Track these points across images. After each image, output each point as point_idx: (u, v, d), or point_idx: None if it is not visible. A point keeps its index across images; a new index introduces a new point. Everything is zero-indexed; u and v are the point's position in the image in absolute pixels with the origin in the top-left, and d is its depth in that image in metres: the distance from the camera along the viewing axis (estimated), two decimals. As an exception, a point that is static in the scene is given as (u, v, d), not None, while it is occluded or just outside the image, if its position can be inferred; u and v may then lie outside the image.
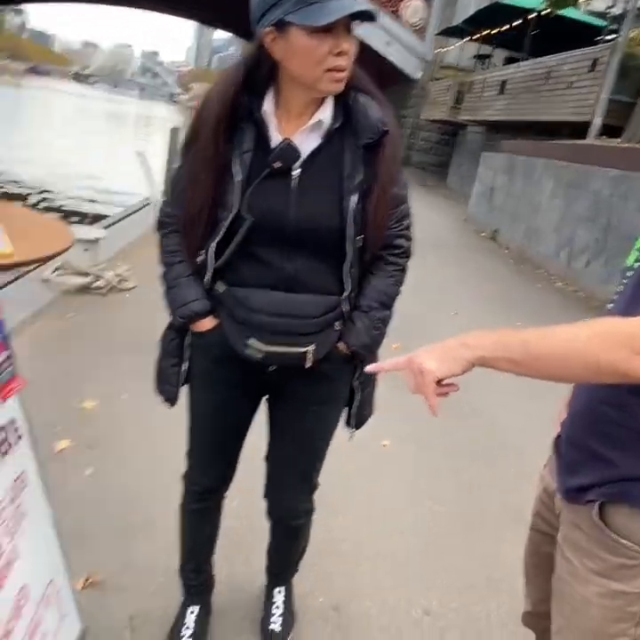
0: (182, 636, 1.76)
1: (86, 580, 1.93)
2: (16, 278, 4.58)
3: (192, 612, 1.82)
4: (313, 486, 1.73)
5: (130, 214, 7.53)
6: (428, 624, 2.05)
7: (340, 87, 1.33)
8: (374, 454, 3.04)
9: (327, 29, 1.22)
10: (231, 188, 1.36)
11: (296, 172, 1.37)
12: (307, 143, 1.38)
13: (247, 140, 1.37)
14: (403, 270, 1.55)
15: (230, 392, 1.58)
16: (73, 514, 2.21)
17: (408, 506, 2.67)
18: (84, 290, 4.52)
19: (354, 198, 1.37)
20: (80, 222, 7.71)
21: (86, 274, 4.60)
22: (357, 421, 1.65)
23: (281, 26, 1.25)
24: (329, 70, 1.28)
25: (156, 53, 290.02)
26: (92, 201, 10.93)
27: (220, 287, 1.45)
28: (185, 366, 1.56)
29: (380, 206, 1.40)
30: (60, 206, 10.00)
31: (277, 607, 1.90)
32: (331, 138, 1.40)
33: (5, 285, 4.39)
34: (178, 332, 1.54)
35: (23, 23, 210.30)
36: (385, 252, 1.49)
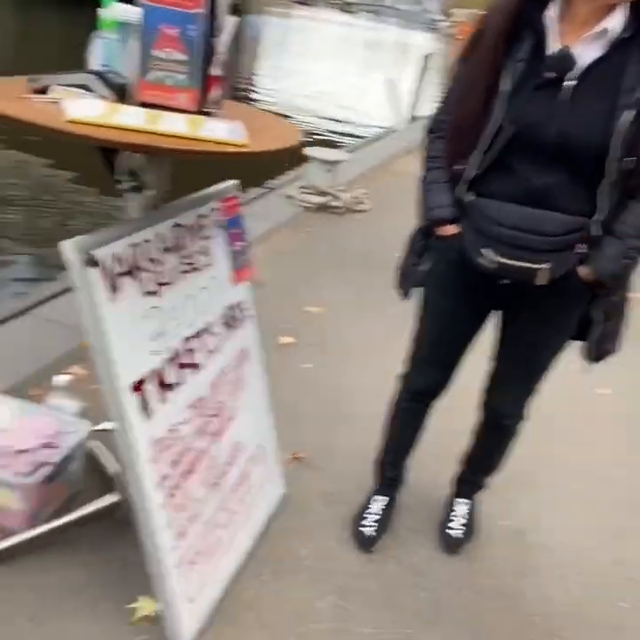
0: (366, 520, 1.93)
1: (292, 455, 2.20)
2: (264, 194, 5.06)
3: (379, 502, 1.98)
4: (531, 392, 1.74)
5: (373, 141, 7.70)
6: (615, 572, 1.97)
7: None
8: (590, 401, 2.87)
9: None
10: (498, 96, 1.36)
11: (569, 83, 1.32)
12: (587, 53, 1.32)
13: (523, 50, 1.35)
14: None
15: (460, 299, 1.63)
16: (288, 399, 2.49)
17: (619, 457, 2.52)
18: (323, 208, 4.81)
19: (628, 115, 1.28)
20: (325, 145, 8.07)
21: (325, 193, 4.88)
22: (597, 355, 1.58)
23: None
24: None
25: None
26: (339, 125, 11.33)
27: (469, 197, 1.48)
28: (425, 267, 1.64)
29: None
30: (310, 130, 10.56)
31: (457, 516, 1.97)
32: (615, 49, 1.31)
33: (256, 199, 4.88)
34: (425, 235, 1.63)
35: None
36: None
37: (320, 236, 4.34)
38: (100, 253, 1.25)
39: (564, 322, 1.57)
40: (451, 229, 1.53)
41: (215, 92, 1.32)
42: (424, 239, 1.62)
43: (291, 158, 5.99)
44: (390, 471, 1.98)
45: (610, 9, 1.29)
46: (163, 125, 1.16)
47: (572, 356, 2.41)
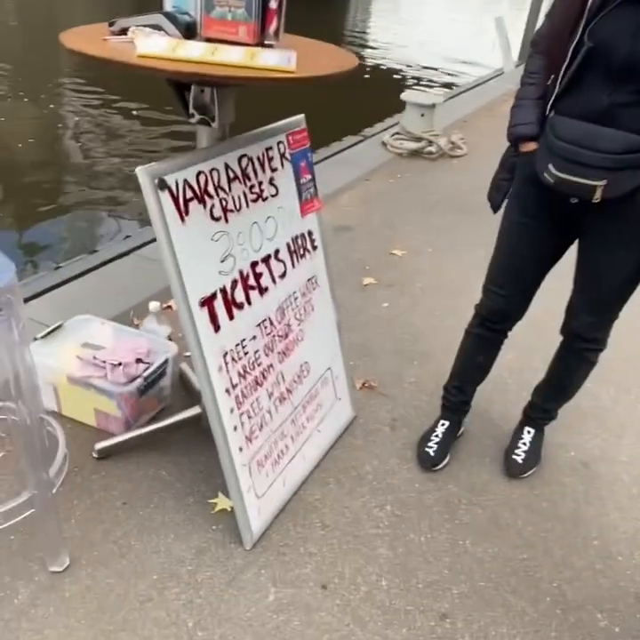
0: (431, 441, 2.03)
1: (363, 383, 2.32)
2: (359, 142, 5.09)
3: (443, 425, 2.06)
4: (608, 319, 1.74)
5: (476, 85, 7.42)
6: (685, 508, 1.94)
7: None
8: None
9: None
10: (585, 12, 1.37)
11: None
12: None
13: None
14: None
15: (534, 216, 1.66)
16: (366, 333, 2.61)
17: None
18: (417, 154, 4.78)
19: None
20: (426, 90, 7.87)
21: (420, 139, 4.83)
22: None
23: None
24: None
25: None
26: (447, 73, 10.96)
27: (551, 113, 1.51)
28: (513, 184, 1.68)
29: None
30: (409, 76, 10.30)
31: (525, 443, 2.02)
32: None
33: (350, 147, 4.93)
34: (515, 150, 1.65)
35: None
36: None
37: (411, 181, 4.33)
38: (171, 179, 1.40)
39: (633, 246, 1.55)
40: (530, 146, 1.55)
41: (273, 25, 1.41)
42: (515, 155, 1.64)
43: (386, 105, 5.97)
44: (456, 396, 2.05)
45: None
46: (219, 56, 1.27)
47: None
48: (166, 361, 2.03)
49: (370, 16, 18.16)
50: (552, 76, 1.47)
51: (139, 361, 1.97)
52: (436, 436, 2.04)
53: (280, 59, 1.31)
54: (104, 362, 1.95)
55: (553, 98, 1.48)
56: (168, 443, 1.99)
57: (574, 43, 1.38)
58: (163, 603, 1.53)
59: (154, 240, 3.15)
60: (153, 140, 5.81)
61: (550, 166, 1.47)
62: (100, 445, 1.90)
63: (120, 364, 1.93)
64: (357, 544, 1.73)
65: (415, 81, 10.09)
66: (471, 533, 1.79)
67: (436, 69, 10.90)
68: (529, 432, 2.04)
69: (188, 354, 2.33)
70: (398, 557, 1.71)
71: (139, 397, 1.96)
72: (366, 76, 9.42)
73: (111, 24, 1.43)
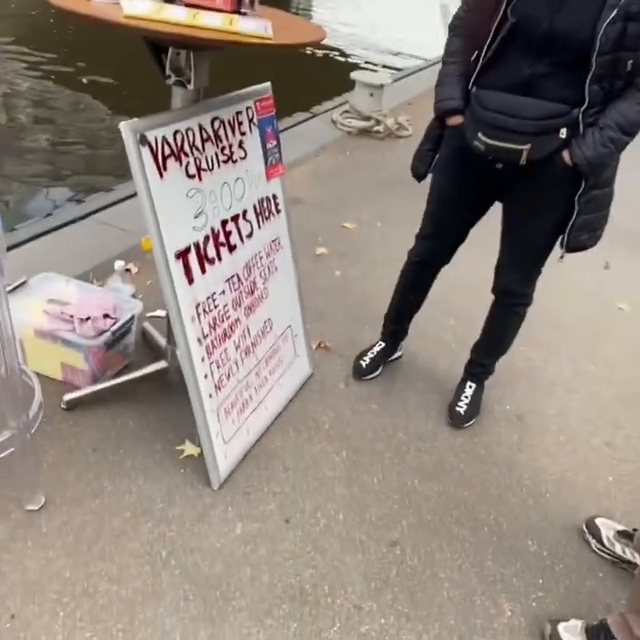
0: (366, 356, 2.34)
1: (319, 343, 2.46)
2: (309, 118, 5.18)
3: (380, 345, 2.36)
4: (529, 274, 1.96)
5: (420, 70, 7.62)
6: (604, 452, 2.18)
7: None
8: (607, 314, 3.02)
9: None
10: None
11: None
12: None
13: None
14: None
15: (461, 181, 1.86)
16: (320, 299, 2.74)
17: (629, 364, 2.68)
18: (365, 132, 4.92)
19: (612, 14, 1.44)
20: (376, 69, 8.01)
21: (368, 118, 4.97)
22: (572, 243, 1.77)
23: None
24: None
25: None
26: (392, 56, 11.12)
27: (474, 88, 1.68)
28: (438, 154, 1.86)
29: None
30: (358, 56, 10.43)
31: (466, 397, 2.21)
32: None
33: (301, 123, 5.02)
34: (440, 124, 1.82)
35: None
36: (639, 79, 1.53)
37: (360, 158, 4.47)
38: (151, 135, 1.48)
39: (552, 205, 1.75)
40: (457, 119, 1.73)
41: (249, -5, 1.51)
42: (440, 129, 1.82)
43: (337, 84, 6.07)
44: (391, 325, 2.34)
45: None
46: (201, 20, 1.36)
47: (597, 274, 2.56)
48: (132, 317, 2.11)
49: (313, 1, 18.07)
50: (475, 53, 1.63)
51: (106, 316, 2.04)
52: (372, 353, 2.34)
53: (257, 26, 1.41)
54: (71, 316, 2.00)
55: (476, 72, 1.64)
56: (134, 395, 2.07)
57: (498, 19, 1.53)
58: (137, 536, 1.64)
59: (110, 205, 3.21)
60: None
61: (480, 135, 1.65)
62: (68, 396, 1.97)
63: (88, 318, 1.99)
64: (317, 485, 1.88)
65: (363, 61, 10.21)
66: (419, 475, 1.97)
67: (383, 52, 11.04)
68: (471, 386, 2.24)
69: (150, 314, 2.41)
70: (354, 495, 1.87)
71: (105, 351, 2.03)
72: (319, 53, 9.46)
73: (93, -16, 1.49)
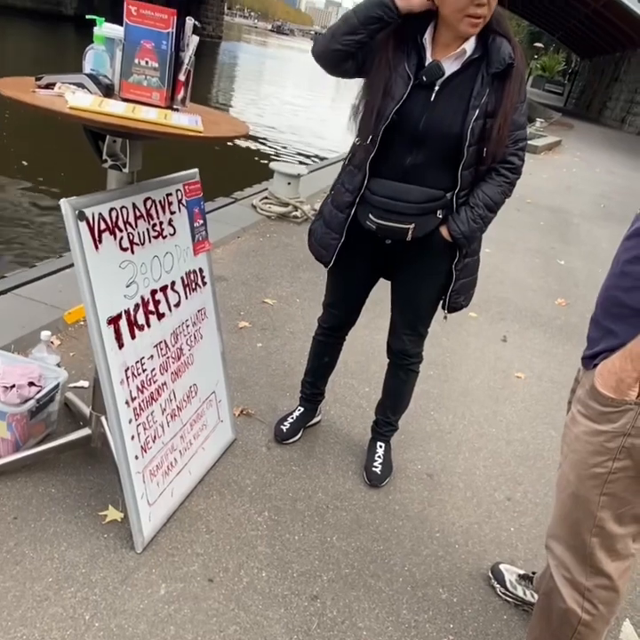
0: (286, 421, 2.47)
1: (242, 410, 2.56)
2: (231, 203, 5.46)
3: (299, 410, 2.51)
4: (420, 335, 2.20)
5: (335, 162, 8.20)
6: (506, 506, 2.37)
7: (476, 30, 1.73)
8: (507, 382, 3.31)
9: None
10: (401, 85, 1.78)
11: (437, 87, 1.79)
12: (449, 67, 1.80)
13: (411, 61, 1.80)
14: (511, 184, 1.92)
15: (360, 262, 2.10)
16: (243, 369, 2.87)
17: (525, 426, 2.93)
18: (283, 217, 5.23)
19: (475, 113, 1.76)
20: (289, 162, 8.55)
21: (286, 204, 5.30)
22: (451, 305, 2.06)
23: None
24: (468, 16, 1.68)
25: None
26: (308, 147, 11.86)
27: (367, 177, 1.91)
28: (341, 242, 2.05)
29: (501, 126, 1.78)
30: (276, 148, 11.06)
31: (379, 456, 2.36)
32: (469, 66, 1.80)
33: (223, 206, 5.27)
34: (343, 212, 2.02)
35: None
36: (499, 165, 1.87)
37: (279, 240, 4.74)
38: (89, 211, 1.62)
39: (434, 274, 2.03)
40: None
41: (181, 93, 1.72)
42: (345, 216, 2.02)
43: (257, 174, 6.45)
44: (308, 389, 2.50)
45: (466, 38, 1.77)
46: (139, 114, 1.55)
47: (497, 346, 2.85)
48: (57, 385, 2.15)
49: (233, 91, 19.13)
50: (365, 149, 1.88)
51: (31, 384, 2.08)
52: (292, 418, 2.48)
53: (189, 120, 1.61)
54: (-4, 385, 2.03)
55: (368, 163, 1.88)
56: (56, 463, 2.09)
57: (385, 120, 1.80)
58: (59, 601, 1.63)
59: (31, 280, 3.25)
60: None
61: (371, 216, 1.91)
62: (-13, 465, 1.96)
63: (13, 386, 2.02)
64: (240, 544, 1.94)
65: (280, 151, 10.83)
66: (337, 531, 2.07)
67: (300, 145, 11.78)
68: (381, 446, 2.40)
69: (73, 385, 2.45)
70: (276, 553, 1.94)
71: (29, 420, 2.06)
72: (241, 144, 9.97)
73: (38, 79, 1.65)
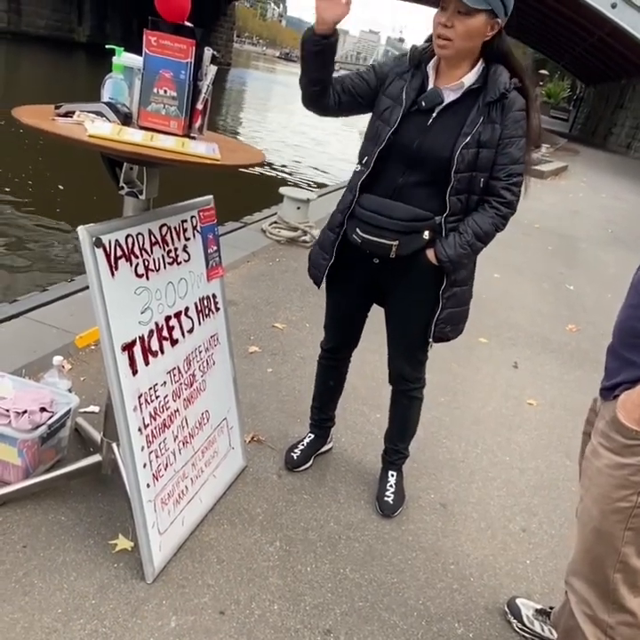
0: (297, 448, 2.45)
1: (253, 437, 2.54)
2: (241, 227, 5.49)
3: (309, 437, 2.49)
4: (419, 361, 2.19)
5: (343, 187, 8.25)
6: (521, 537, 2.32)
7: (445, 52, 1.77)
8: (519, 409, 3.27)
9: (442, 7, 1.70)
10: (396, 112, 1.85)
11: (435, 114, 1.83)
12: (449, 95, 1.84)
13: (414, 85, 1.86)
14: (503, 217, 1.93)
15: (351, 282, 2.13)
16: (253, 394, 2.85)
17: (539, 454, 2.89)
18: (292, 241, 5.25)
19: (466, 139, 1.80)
20: (298, 186, 8.63)
21: (296, 228, 5.32)
22: (437, 334, 2.03)
23: None
24: (438, 36, 1.75)
25: (401, 40, 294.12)
26: (315, 172, 11.95)
27: (358, 193, 1.94)
28: (331, 262, 2.08)
29: (495, 156, 1.82)
30: (285, 173, 11.15)
31: (391, 485, 2.33)
32: (467, 95, 1.83)
33: (233, 231, 5.30)
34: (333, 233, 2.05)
35: (282, 12, 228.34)
36: (491, 197, 1.89)
37: (288, 265, 4.75)
38: (105, 238, 1.62)
39: (421, 300, 2.02)
40: None
41: (198, 122, 1.73)
42: (335, 236, 2.05)
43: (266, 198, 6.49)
44: (317, 415, 2.47)
45: (470, 68, 1.82)
46: (158, 142, 1.55)
47: (508, 373, 2.83)
48: (69, 411, 2.14)
49: (242, 117, 19.41)
50: (360, 167, 1.94)
51: (42, 410, 2.07)
52: (303, 445, 2.44)
53: (207, 149, 1.62)
54: (7, 410, 2.02)
55: (361, 181, 1.92)
56: (66, 490, 2.06)
57: (382, 142, 1.85)
58: (68, 633, 1.60)
59: (43, 304, 3.25)
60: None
61: (357, 230, 1.93)
62: (-2, 492, 1.94)
63: (25, 411, 2.01)
64: (251, 575, 1.91)
65: (289, 176, 10.92)
66: (350, 563, 2.03)
67: (309, 170, 11.87)
68: (392, 475, 2.37)
69: (83, 410, 2.44)
70: (288, 585, 1.90)
71: (40, 446, 2.04)
72: (253, 170, 10.07)
73: (58, 107, 1.67)
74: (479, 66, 1.83)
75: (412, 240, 1.89)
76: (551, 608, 1.90)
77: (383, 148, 1.86)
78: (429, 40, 1.85)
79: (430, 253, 1.92)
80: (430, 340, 2.05)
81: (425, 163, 1.84)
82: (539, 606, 1.93)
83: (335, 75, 1.88)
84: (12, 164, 7.87)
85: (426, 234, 1.89)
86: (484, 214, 1.90)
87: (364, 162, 1.93)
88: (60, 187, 7.39)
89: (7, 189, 6.99)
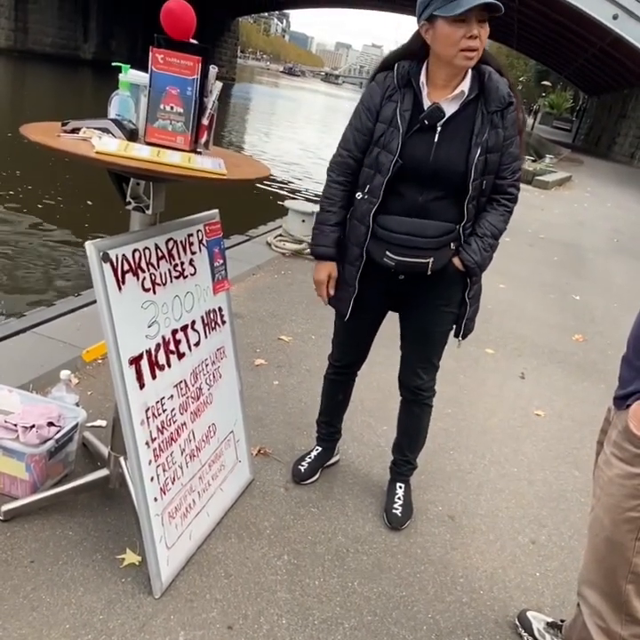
0: (304, 461, 2.44)
1: (259, 450, 2.53)
2: (246, 240, 5.51)
3: (317, 450, 2.48)
4: (435, 366, 2.19)
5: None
6: (530, 549, 2.31)
7: (472, 63, 1.76)
8: (526, 420, 3.26)
9: (462, 19, 1.64)
10: (395, 136, 1.84)
11: (439, 129, 1.83)
12: (449, 108, 1.84)
13: (407, 103, 1.85)
14: (510, 212, 2.00)
15: (373, 309, 2.13)
16: (260, 407, 2.85)
17: (547, 465, 2.88)
18: (297, 254, 5.26)
19: (478, 151, 1.81)
20: (303, 199, 8.66)
21: (300, 241, 5.34)
22: (465, 332, 2.10)
23: (431, 19, 1.68)
24: (462, 50, 1.71)
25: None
26: (319, 185, 11.99)
27: (373, 216, 1.93)
28: (356, 294, 2.06)
29: (501, 160, 1.87)
30: (290, 187, 11.20)
31: (399, 497, 2.32)
32: (467, 105, 1.84)
33: (238, 244, 5.33)
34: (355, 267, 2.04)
35: (285, 27, 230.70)
36: (499, 196, 1.94)
37: (293, 277, 4.76)
38: (113, 253, 1.63)
39: (447, 305, 2.05)
40: (323, 270, 2.08)
41: (204, 137, 1.74)
42: (359, 267, 2.03)
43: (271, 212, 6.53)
44: (324, 429, 2.47)
45: (462, 77, 1.82)
46: (164, 158, 1.57)
47: (515, 383, 2.82)
48: (76, 425, 2.14)
49: (246, 131, 19.55)
50: (360, 193, 1.94)
51: (50, 424, 2.07)
52: (310, 458, 2.44)
53: (213, 164, 1.63)
54: (15, 425, 2.02)
55: (377, 205, 1.90)
56: (74, 504, 2.06)
57: (392, 163, 1.84)
58: (76, 649, 1.60)
59: (50, 319, 3.27)
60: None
61: (388, 253, 1.92)
62: (6, 507, 1.94)
63: (33, 426, 2.01)
64: (259, 589, 1.90)
65: (294, 189, 10.98)
66: (358, 576, 2.02)
67: (313, 183, 11.92)
68: (400, 487, 2.36)
69: (90, 424, 2.44)
70: (296, 599, 1.89)
71: (48, 460, 2.04)
72: (259, 185, 10.13)
73: (64, 124, 1.69)
74: (470, 71, 1.83)
75: (443, 254, 1.92)
76: (562, 621, 1.88)
77: (390, 177, 1.86)
78: (406, 52, 1.85)
79: (457, 262, 1.95)
80: (459, 338, 2.10)
81: (441, 178, 1.85)
82: (550, 619, 1.91)
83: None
84: (19, 180, 7.95)
85: (452, 245, 1.93)
86: (495, 213, 1.94)
87: (367, 191, 1.92)
88: (68, 202, 7.46)
89: (15, 205, 7.05)
